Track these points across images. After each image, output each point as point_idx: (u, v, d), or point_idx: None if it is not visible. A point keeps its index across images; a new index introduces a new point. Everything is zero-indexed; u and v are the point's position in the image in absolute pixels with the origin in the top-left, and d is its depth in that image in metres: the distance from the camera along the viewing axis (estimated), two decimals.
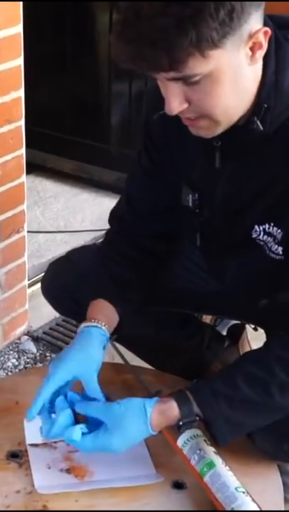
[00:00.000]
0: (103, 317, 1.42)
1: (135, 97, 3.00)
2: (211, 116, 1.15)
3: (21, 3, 1.85)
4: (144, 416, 1.26)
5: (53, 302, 1.71)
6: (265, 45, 1.12)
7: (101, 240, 1.63)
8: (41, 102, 3.12)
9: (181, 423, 1.27)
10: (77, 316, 1.74)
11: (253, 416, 1.29)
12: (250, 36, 1.09)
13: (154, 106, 1.24)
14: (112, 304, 1.45)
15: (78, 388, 1.35)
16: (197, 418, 1.27)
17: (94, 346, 1.37)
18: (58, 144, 3.25)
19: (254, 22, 1.08)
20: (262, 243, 1.31)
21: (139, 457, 1.36)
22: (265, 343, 1.36)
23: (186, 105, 1.14)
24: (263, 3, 1.10)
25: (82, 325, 1.42)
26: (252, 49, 1.11)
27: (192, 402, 1.27)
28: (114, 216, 1.56)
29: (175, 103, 1.13)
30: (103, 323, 1.41)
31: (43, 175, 3.27)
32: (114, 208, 1.56)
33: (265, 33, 1.10)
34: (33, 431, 1.38)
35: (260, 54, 1.12)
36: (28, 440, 1.38)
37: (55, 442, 1.37)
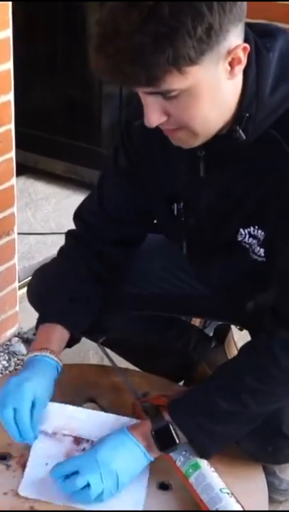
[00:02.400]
0: (54, 344, 1.42)
1: (126, 99, 3.00)
2: (189, 129, 1.16)
3: (10, 6, 1.86)
4: (123, 431, 1.29)
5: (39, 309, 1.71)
6: (244, 61, 1.11)
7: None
8: (33, 103, 3.13)
9: (153, 432, 1.28)
10: None
11: (232, 427, 1.31)
12: (229, 52, 1.08)
13: (137, 111, 1.23)
14: (60, 324, 1.44)
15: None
16: (170, 425, 1.28)
17: (47, 378, 1.37)
18: (50, 145, 3.25)
19: (233, 38, 1.08)
20: (247, 246, 1.32)
21: None
22: (238, 352, 1.38)
23: (165, 118, 1.14)
24: (244, 18, 1.09)
25: (33, 354, 1.40)
26: (231, 64, 1.10)
27: (164, 416, 1.30)
28: (79, 216, 1.53)
29: (154, 116, 1.14)
30: (54, 354, 1.40)
31: (35, 176, 3.26)
32: (81, 206, 1.53)
33: (244, 49, 1.10)
34: (49, 419, 1.39)
35: (239, 69, 1.12)
36: (43, 427, 1.38)
37: (63, 435, 1.38)
